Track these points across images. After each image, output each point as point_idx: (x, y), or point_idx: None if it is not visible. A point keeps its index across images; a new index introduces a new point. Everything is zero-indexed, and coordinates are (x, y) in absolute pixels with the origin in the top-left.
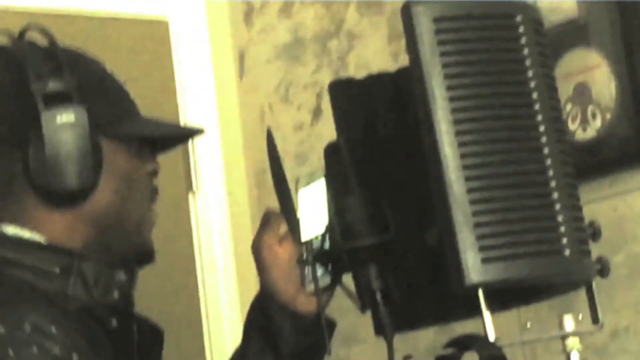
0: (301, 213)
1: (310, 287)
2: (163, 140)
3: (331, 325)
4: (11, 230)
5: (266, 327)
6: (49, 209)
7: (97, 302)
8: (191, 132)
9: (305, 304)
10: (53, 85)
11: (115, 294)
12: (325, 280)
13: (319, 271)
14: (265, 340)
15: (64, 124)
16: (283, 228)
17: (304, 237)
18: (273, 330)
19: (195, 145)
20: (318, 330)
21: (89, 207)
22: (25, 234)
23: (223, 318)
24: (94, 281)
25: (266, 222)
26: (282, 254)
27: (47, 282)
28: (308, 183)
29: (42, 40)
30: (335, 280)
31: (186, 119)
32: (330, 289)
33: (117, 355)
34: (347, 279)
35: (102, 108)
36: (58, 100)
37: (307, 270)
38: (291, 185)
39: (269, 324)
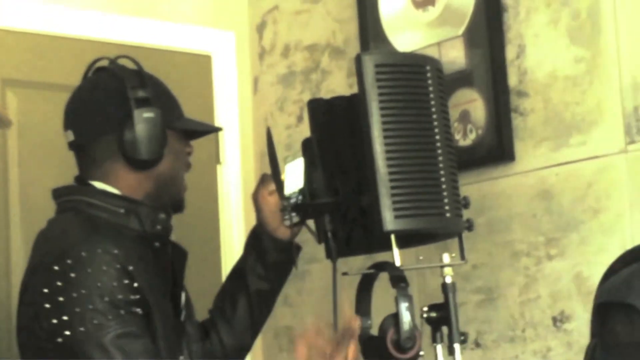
0: (286, 177)
1: (287, 222)
2: (198, 132)
3: (298, 248)
4: (98, 185)
5: (258, 246)
6: (129, 171)
7: (146, 232)
8: (215, 129)
9: (284, 232)
10: (141, 94)
11: (159, 227)
12: (296, 219)
13: (293, 214)
14: (257, 255)
15: (147, 118)
16: (272, 186)
17: (286, 192)
18: (262, 248)
19: (224, 134)
20: (290, 250)
21: (154, 171)
22: (107, 187)
23: (234, 248)
24: (145, 218)
25: (262, 180)
26: (271, 201)
27: (116, 218)
28: (292, 159)
29: (127, 64)
30: (302, 220)
31: (218, 117)
32: (299, 225)
33: (158, 265)
34: (310, 222)
35: (167, 110)
36: (143, 103)
37: (286, 213)
38: (281, 161)
39: (259, 244)
